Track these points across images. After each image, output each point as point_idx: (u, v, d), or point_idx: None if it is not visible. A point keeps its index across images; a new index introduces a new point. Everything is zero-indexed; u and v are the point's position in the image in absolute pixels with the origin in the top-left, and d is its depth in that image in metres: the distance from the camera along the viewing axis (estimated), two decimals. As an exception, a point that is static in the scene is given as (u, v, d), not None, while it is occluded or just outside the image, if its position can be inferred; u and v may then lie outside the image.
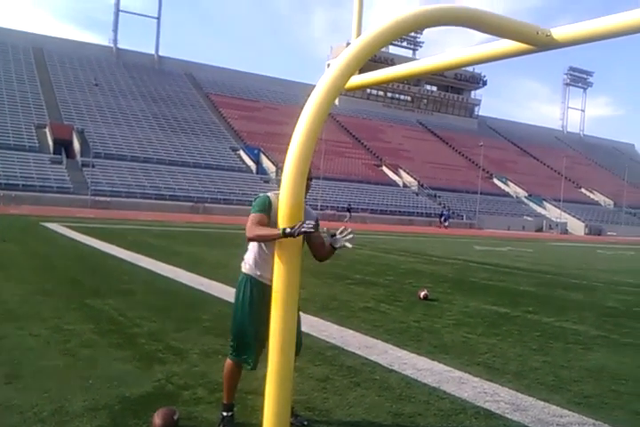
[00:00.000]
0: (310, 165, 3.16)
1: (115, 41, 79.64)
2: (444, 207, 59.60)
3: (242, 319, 3.53)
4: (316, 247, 3.58)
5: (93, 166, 46.21)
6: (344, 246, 3.51)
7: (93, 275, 9.61)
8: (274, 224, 3.27)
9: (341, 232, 3.53)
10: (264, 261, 3.47)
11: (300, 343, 3.63)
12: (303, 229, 3.09)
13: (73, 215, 29.16)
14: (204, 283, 9.36)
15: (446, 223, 53.87)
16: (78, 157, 49.44)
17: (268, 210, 3.41)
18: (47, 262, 10.98)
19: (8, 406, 3.67)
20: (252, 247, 3.57)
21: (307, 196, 3.31)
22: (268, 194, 3.51)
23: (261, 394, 3.33)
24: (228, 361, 3.66)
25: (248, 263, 3.58)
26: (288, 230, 3.10)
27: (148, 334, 5.73)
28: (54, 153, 49.26)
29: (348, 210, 51.51)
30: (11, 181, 41.40)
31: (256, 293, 3.49)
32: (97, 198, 42.69)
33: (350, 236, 3.51)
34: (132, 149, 54.03)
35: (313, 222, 3.11)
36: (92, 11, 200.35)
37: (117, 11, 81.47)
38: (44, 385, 4.09)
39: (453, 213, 58.32)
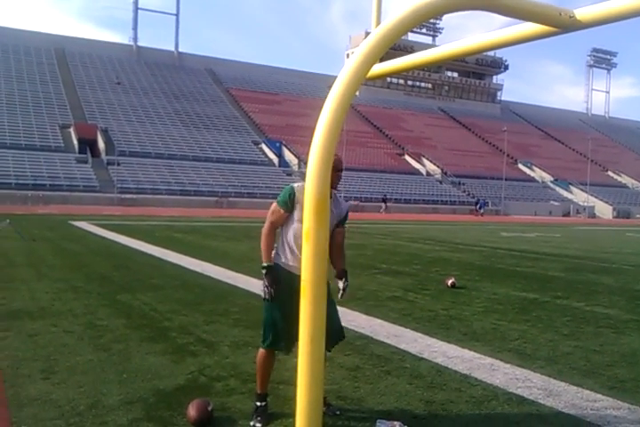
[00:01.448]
0: (340, 157, 3.20)
1: (135, 39, 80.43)
2: (474, 197, 58.96)
3: (270, 308, 3.57)
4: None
5: (118, 164, 46.76)
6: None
7: (123, 271, 9.74)
8: (294, 217, 3.44)
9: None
10: (287, 250, 3.52)
11: (340, 335, 3.74)
12: (264, 284, 3.49)
13: (100, 213, 29.58)
14: (232, 276, 9.43)
15: (481, 210, 53.32)
16: (103, 156, 50.06)
17: (289, 203, 3.46)
18: (77, 260, 11.14)
19: (46, 400, 3.76)
20: (276, 238, 3.61)
21: (337, 187, 3.36)
22: (295, 185, 3.51)
23: (293, 384, 3.35)
24: (261, 350, 3.69)
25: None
26: (264, 271, 3.46)
27: (179, 328, 5.81)
28: (79, 152, 49.93)
29: (384, 200, 50.72)
30: (38, 182, 42.09)
31: (282, 281, 3.50)
32: (123, 196, 43.23)
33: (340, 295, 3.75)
34: (156, 146, 54.51)
35: (269, 291, 3.46)
36: (111, 9, 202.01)
37: (136, 9, 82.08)
38: (80, 380, 4.17)
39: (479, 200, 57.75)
